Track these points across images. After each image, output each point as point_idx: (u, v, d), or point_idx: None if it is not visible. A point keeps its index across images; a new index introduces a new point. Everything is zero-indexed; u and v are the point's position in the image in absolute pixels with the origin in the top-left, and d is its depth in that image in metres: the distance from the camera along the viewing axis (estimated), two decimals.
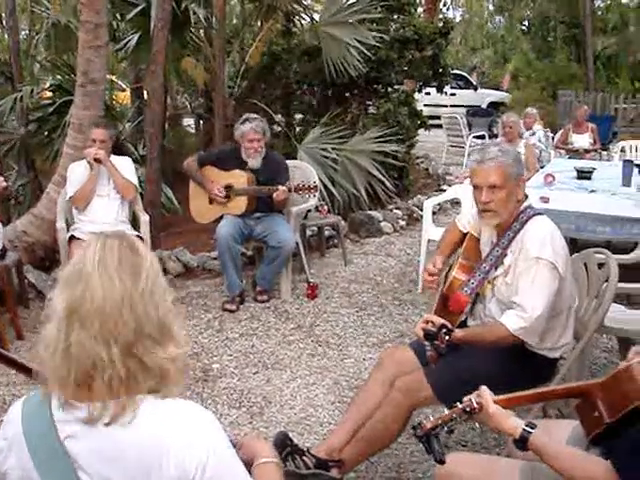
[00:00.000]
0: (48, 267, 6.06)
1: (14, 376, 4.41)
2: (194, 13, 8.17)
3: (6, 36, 17.12)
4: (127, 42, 7.99)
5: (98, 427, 1.45)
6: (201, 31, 9.19)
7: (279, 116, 9.65)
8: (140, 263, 1.53)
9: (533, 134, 9.47)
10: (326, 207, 6.94)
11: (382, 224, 8.05)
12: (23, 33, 12.37)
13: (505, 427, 2.07)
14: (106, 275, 1.48)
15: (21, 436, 1.51)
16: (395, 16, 9.70)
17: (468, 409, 2.10)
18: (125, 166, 5.45)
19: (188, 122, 11.87)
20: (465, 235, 3.32)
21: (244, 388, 4.27)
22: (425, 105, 13.52)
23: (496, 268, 3.02)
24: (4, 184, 4.60)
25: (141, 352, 1.48)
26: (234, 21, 11.98)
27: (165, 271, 6.16)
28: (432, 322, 2.88)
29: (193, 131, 11.53)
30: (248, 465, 1.70)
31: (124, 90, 11.27)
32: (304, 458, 3.08)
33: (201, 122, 10.85)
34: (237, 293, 5.61)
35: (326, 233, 7.25)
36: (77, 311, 1.46)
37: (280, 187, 5.36)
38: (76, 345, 1.45)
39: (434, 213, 6.34)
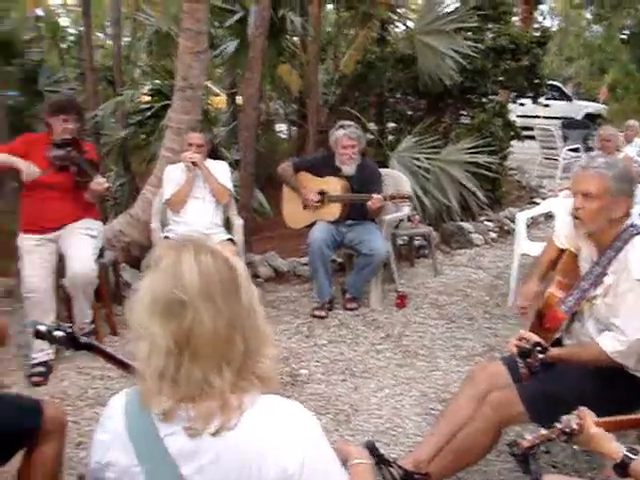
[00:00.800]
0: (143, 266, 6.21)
1: (109, 370, 4.53)
2: (291, 21, 8.25)
3: (109, 42, 17.74)
4: (225, 48, 8.12)
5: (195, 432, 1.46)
6: (295, 38, 9.28)
7: (372, 124, 9.64)
8: (238, 279, 1.52)
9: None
10: (418, 217, 6.89)
11: (473, 236, 7.94)
12: (125, 40, 12.74)
13: (606, 450, 2.00)
14: (212, 304, 1.46)
15: (124, 431, 1.53)
16: (490, 25, 9.57)
17: (568, 430, 2.04)
18: (221, 170, 5.52)
19: (280, 128, 11.98)
20: (563, 251, 3.23)
21: (331, 395, 4.27)
22: (518, 116, 13.28)
23: (595, 287, 2.93)
24: (106, 185, 4.73)
25: (251, 369, 1.49)
26: (328, 29, 12.05)
27: (256, 275, 6.24)
28: (526, 339, 2.82)
29: (285, 137, 11.64)
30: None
31: (218, 95, 11.47)
32: (391, 469, 3.04)
33: (294, 128, 10.94)
34: (327, 300, 5.62)
35: (416, 243, 7.20)
36: (187, 343, 1.45)
37: (375, 195, 5.35)
38: (187, 376, 1.46)
39: (527, 226, 6.20)
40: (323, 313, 5.54)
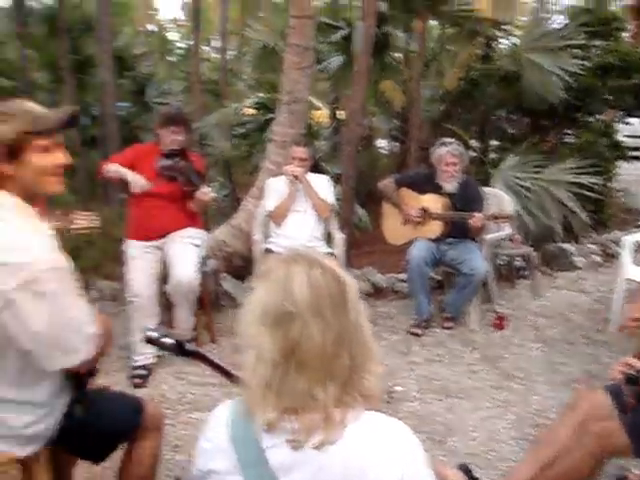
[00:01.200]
0: (243, 276, 6.30)
1: (207, 377, 4.62)
2: (395, 37, 8.27)
3: (215, 56, 18.19)
4: (329, 64, 8.20)
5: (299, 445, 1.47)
6: (398, 54, 9.29)
7: (474, 141, 9.54)
8: (346, 294, 1.52)
9: None
10: (519, 237, 6.76)
11: (575, 258, 7.71)
12: (230, 53, 13.05)
13: None
14: (320, 317, 1.47)
15: (226, 440, 1.54)
16: (597, 42, 9.32)
17: None
18: (322, 184, 5.56)
19: (381, 144, 11.98)
20: None
21: (426, 414, 4.22)
22: (625, 136, 12.86)
23: None
24: (212, 195, 4.83)
25: (354, 385, 1.49)
26: (432, 45, 12.01)
27: None
28: (631, 365, 2.71)
29: (386, 153, 11.63)
30: None
31: (320, 109, 11.58)
32: None
33: (395, 144, 10.93)
34: (424, 317, 5.57)
35: (517, 264, 7.05)
36: (294, 355, 1.46)
37: (476, 214, 5.28)
38: (292, 387, 1.47)
39: (633, 251, 5.98)
40: (420, 331, 5.49)
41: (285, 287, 1.50)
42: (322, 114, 11.04)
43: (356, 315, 1.51)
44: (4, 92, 11.31)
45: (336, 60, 8.23)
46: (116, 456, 2.67)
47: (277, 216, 5.48)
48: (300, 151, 5.47)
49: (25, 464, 2.45)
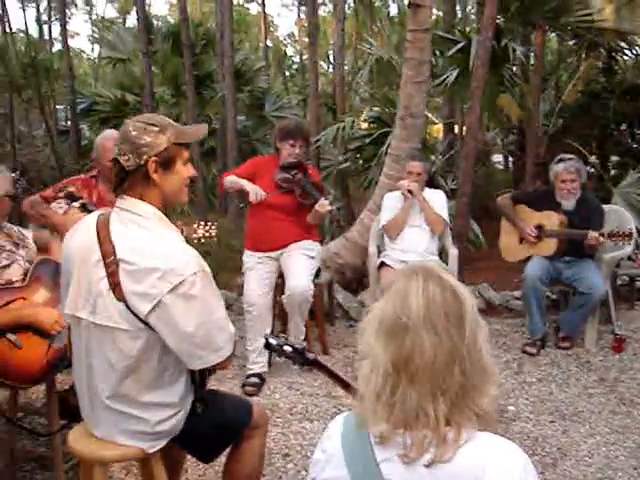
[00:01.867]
0: (355, 289, 6.35)
1: (317, 388, 4.68)
2: (513, 50, 8.14)
3: (331, 70, 18.40)
4: (445, 78, 8.15)
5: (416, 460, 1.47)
6: (515, 67, 9.13)
7: (593, 157, 9.26)
8: (463, 312, 1.51)
9: None
10: None
11: None
12: (345, 68, 13.18)
13: None
14: (433, 331, 1.47)
15: (340, 453, 1.56)
16: None
17: None
18: (437, 199, 5.53)
19: (497, 159, 11.82)
20: None
21: (538, 435, 4.11)
22: None
23: None
24: (329, 207, 4.88)
25: (467, 404, 1.48)
26: (550, 57, 11.77)
27: None
28: None
29: (502, 168, 11.47)
30: None
31: (436, 124, 11.53)
32: None
33: (510, 159, 10.76)
34: (539, 336, 5.45)
35: (638, 284, 6.79)
36: (405, 366, 1.48)
37: (591, 232, 5.13)
38: (402, 399, 1.48)
39: None
40: (534, 350, 5.37)
41: (402, 299, 1.52)
42: (438, 129, 10.99)
43: (473, 334, 1.50)
44: (129, 107, 11.84)
45: (453, 74, 8.16)
46: (222, 458, 2.75)
47: (391, 230, 5.50)
48: (416, 166, 5.47)
49: (144, 460, 2.57)
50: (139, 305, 2.23)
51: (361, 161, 8.60)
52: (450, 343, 1.47)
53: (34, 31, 27.60)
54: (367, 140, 8.40)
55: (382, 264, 5.43)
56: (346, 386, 2.35)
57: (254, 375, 4.78)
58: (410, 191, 5.38)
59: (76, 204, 3.90)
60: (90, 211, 3.54)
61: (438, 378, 1.46)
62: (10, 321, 3.11)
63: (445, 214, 5.53)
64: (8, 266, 3.38)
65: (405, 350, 1.47)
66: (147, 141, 2.30)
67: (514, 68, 8.98)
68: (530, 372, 5.06)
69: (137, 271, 2.23)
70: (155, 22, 15.15)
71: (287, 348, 2.34)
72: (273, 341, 2.35)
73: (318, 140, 8.79)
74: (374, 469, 1.50)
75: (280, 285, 5.02)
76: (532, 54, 8.90)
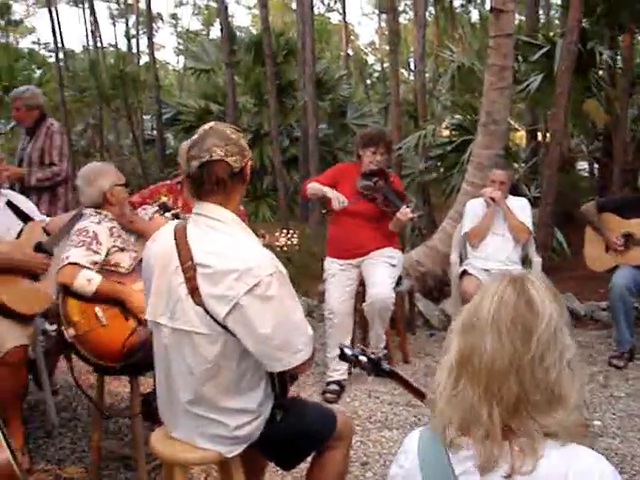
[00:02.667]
0: (437, 297, 6.29)
1: (397, 396, 4.64)
2: (600, 54, 7.95)
3: (412, 78, 18.35)
4: (529, 84, 8.02)
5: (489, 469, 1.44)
6: (601, 72, 8.91)
7: None
8: (534, 324, 1.47)
9: None
10: None
11: None
12: (427, 75, 13.12)
13: None
14: (497, 334, 1.46)
15: (417, 468, 1.55)
16: None
17: None
18: (521, 207, 5.43)
19: (582, 166, 11.55)
20: None
21: (627, 453, 3.93)
22: None
23: None
24: (411, 215, 4.85)
25: (522, 416, 1.44)
26: (639, 60, 11.44)
27: None
28: None
29: (587, 175, 11.20)
30: None
31: (518, 131, 11.36)
32: None
33: (596, 166, 10.50)
34: (627, 349, 5.27)
35: None
36: (467, 363, 1.48)
37: None
38: (461, 396, 1.47)
39: None
40: (621, 363, 5.20)
41: (480, 300, 1.53)
42: (521, 136, 10.83)
43: (540, 352, 1.45)
44: (213, 116, 12.06)
45: (536, 80, 8.01)
46: (302, 465, 2.76)
47: (474, 237, 5.42)
48: (500, 174, 5.37)
49: (224, 464, 2.61)
50: (217, 308, 2.26)
51: (442, 169, 8.54)
52: (511, 350, 1.45)
53: (123, 45, 28.49)
54: (449, 148, 8.35)
55: (464, 272, 5.35)
56: (422, 397, 2.32)
57: (334, 382, 4.78)
58: (492, 199, 5.30)
59: (168, 214, 4.02)
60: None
61: (494, 383, 1.44)
62: (108, 290, 3.36)
63: (529, 222, 5.42)
64: (121, 250, 3.59)
65: (468, 348, 1.49)
66: (243, 144, 2.38)
67: (600, 72, 8.77)
68: (617, 386, 4.90)
69: (214, 274, 2.26)
70: (238, 33, 15.40)
71: (362, 358, 2.32)
72: (348, 351, 2.34)
73: (400, 148, 8.77)
74: None
75: (361, 293, 5.01)
76: (619, 57, 8.66)
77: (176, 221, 2.54)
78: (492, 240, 5.36)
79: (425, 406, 2.34)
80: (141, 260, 3.55)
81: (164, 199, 4.13)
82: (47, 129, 5.54)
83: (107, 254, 3.53)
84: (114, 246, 3.57)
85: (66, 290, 3.33)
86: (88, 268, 3.37)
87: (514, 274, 1.58)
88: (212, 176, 2.33)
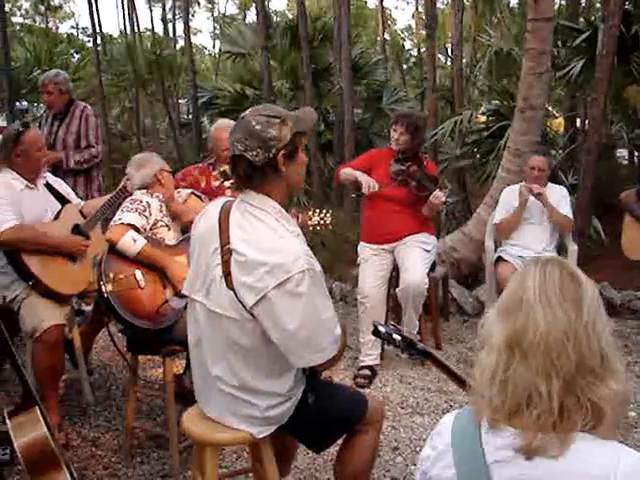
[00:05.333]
0: (470, 284, 6.25)
1: (429, 382, 4.64)
2: None
3: (449, 63, 18.20)
4: (570, 69, 7.88)
5: (524, 457, 1.43)
6: None
7: None
8: (582, 293, 1.48)
9: None
10: None
11: None
12: (464, 60, 12.98)
13: None
14: (548, 306, 1.46)
15: (449, 451, 1.55)
16: None
17: None
18: (560, 196, 5.33)
19: (621, 153, 11.36)
20: None
21: None
22: None
23: None
24: (443, 199, 4.81)
25: (581, 388, 1.43)
26: None
27: None
28: None
29: (626, 162, 11.02)
30: None
31: (556, 117, 11.20)
32: None
33: (636, 154, 10.32)
34: None
35: None
36: (519, 343, 1.47)
37: None
38: (515, 377, 1.46)
39: None
40: None
41: (520, 280, 1.54)
42: (559, 122, 10.67)
43: (592, 319, 1.46)
44: (249, 100, 12.07)
45: (577, 65, 7.88)
46: (332, 449, 2.78)
47: (502, 228, 5.36)
48: (540, 161, 5.28)
49: (254, 445, 2.63)
50: (246, 296, 2.27)
51: (479, 155, 8.45)
52: (565, 320, 1.45)
53: (159, 29, 28.65)
54: (485, 133, 8.26)
55: (498, 259, 5.31)
56: (457, 378, 2.30)
57: (366, 367, 4.80)
58: (539, 194, 5.18)
59: (227, 183, 4.21)
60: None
61: (551, 354, 1.43)
62: (150, 254, 3.54)
63: (568, 210, 5.33)
64: (167, 228, 3.80)
65: (519, 325, 1.48)
66: (273, 134, 2.30)
67: None
68: None
69: (246, 263, 2.27)
70: (274, 17, 15.38)
71: (396, 337, 2.29)
72: (382, 329, 2.31)
73: (435, 134, 8.71)
74: (483, 471, 1.48)
75: (395, 278, 5.00)
76: None
77: (222, 201, 2.54)
78: (529, 229, 5.30)
79: (460, 390, 2.31)
80: (184, 238, 3.70)
81: (225, 167, 4.18)
82: (81, 112, 5.59)
83: (154, 226, 3.72)
84: (161, 221, 3.77)
85: (111, 248, 3.49)
86: (136, 230, 3.54)
87: (541, 257, 1.60)
88: (238, 169, 2.36)
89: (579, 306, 1.47)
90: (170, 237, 3.79)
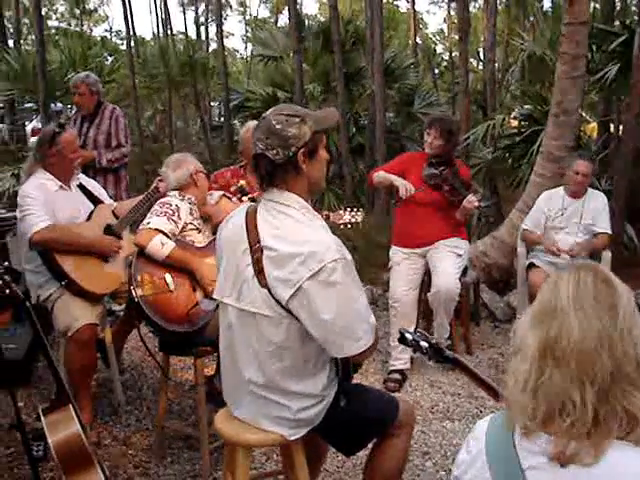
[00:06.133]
0: (501, 289, 6.21)
1: (459, 387, 4.61)
2: None
3: (481, 67, 18.10)
4: (604, 74, 7.80)
5: (559, 464, 1.42)
6: None
7: None
8: (616, 299, 1.46)
9: None
10: None
11: None
12: (496, 64, 12.92)
13: None
14: (582, 313, 1.44)
15: (483, 455, 1.54)
16: None
17: None
18: (599, 204, 5.17)
19: None
20: None
21: None
22: None
23: None
24: (476, 204, 4.77)
25: (616, 395, 1.41)
26: None
27: None
28: None
29: None
30: None
31: (590, 122, 11.09)
32: None
33: None
34: None
35: None
36: (552, 349, 1.45)
37: None
38: (548, 384, 1.44)
39: None
40: None
41: (553, 287, 1.52)
42: (593, 127, 10.57)
43: (627, 325, 1.44)
44: (280, 103, 12.11)
45: (612, 69, 7.78)
46: (361, 453, 2.76)
47: (525, 239, 5.31)
48: (584, 165, 5.15)
49: (286, 447, 2.63)
50: (281, 291, 2.27)
51: (511, 159, 8.39)
52: (599, 325, 1.43)
53: (192, 32, 28.88)
54: (517, 138, 8.19)
55: (531, 265, 5.26)
56: (486, 386, 2.28)
57: (396, 371, 4.78)
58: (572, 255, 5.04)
59: (245, 198, 4.13)
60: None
61: (586, 362, 1.41)
62: (179, 257, 3.53)
63: (607, 224, 5.20)
64: (198, 231, 3.78)
65: (552, 332, 1.46)
66: (293, 133, 2.31)
67: None
68: None
69: (279, 256, 2.28)
70: (306, 21, 15.39)
71: (423, 344, 2.28)
72: (409, 336, 2.30)
73: (467, 138, 8.66)
74: (519, 476, 1.46)
75: (426, 282, 4.98)
76: None
77: (247, 205, 2.57)
78: (563, 238, 5.19)
79: (489, 397, 2.29)
80: (214, 239, 3.70)
81: (242, 183, 4.22)
82: (111, 113, 5.70)
83: (183, 229, 3.70)
84: (191, 224, 3.75)
85: (140, 252, 3.49)
86: (165, 235, 3.53)
87: (574, 264, 1.61)
88: (260, 168, 2.38)
89: (614, 312, 1.44)
90: (200, 240, 3.78)
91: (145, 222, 3.61)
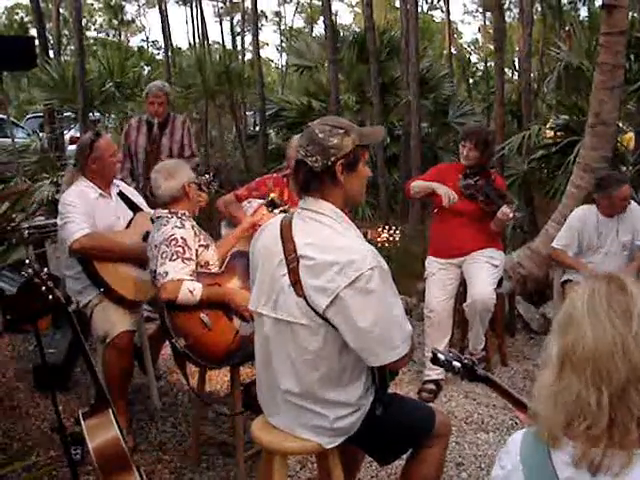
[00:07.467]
0: (537, 301, 6.16)
1: (495, 399, 4.57)
2: None
3: (516, 77, 17.99)
4: None
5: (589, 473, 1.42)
6: None
7: None
8: (630, 303, 1.47)
9: None
10: None
11: None
12: (532, 74, 12.84)
13: None
14: (596, 319, 1.46)
15: (520, 470, 1.54)
16: None
17: None
18: (634, 218, 5.14)
19: None
20: None
21: None
22: None
23: None
24: (511, 215, 4.73)
25: (632, 399, 1.42)
26: None
27: None
28: None
29: None
30: None
31: (626, 132, 10.97)
32: None
33: None
34: None
35: None
36: (569, 357, 1.47)
37: None
38: (565, 390, 1.46)
39: None
40: None
41: (572, 296, 1.55)
42: (630, 137, 10.45)
43: None
44: (315, 113, 12.16)
45: None
46: (396, 463, 2.77)
47: (555, 258, 5.21)
48: (628, 190, 4.92)
49: (322, 455, 2.64)
50: (318, 299, 2.29)
51: (546, 170, 8.34)
52: (613, 332, 1.44)
53: (228, 42, 29.14)
54: (553, 149, 8.13)
55: (566, 281, 5.13)
56: (518, 403, 2.28)
57: (431, 382, 4.76)
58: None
59: (276, 211, 4.01)
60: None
61: (601, 367, 1.43)
62: (211, 296, 3.40)
63: None
64: (206, 248, 3.64)
65: (569, 340, 1.48)
66: (334, 143, 2.35)
67: None
68: None
69: (316, 265, 2.29)
70: (341, 31, 15.44)
71: (456, 364, 2.29)
72: (441, 356, 2.31)
73: (502, 148, 8.62)
74: None
75: (462, 293, 4.97)
76: None
77: (281, 215, 2.60)
78: (599, 257, 5.06)
79: (521, 413, 2.29)
80: (234, 254, 3.67)
81: (272, 196, 4.19)
82: (183, 123, 5.80)
83: (196, 255, 3.54)
84: (200, 245, 3.60)
85: (170, 305, 3.34)
86: (188, 279, 3.38)
87: (598, 275, 1.59)
88: (299, 175, 2.42)
89: (628, 318, 1.46)
90: (211, 257, 3.65)
91: (162, 271, 3.39)
